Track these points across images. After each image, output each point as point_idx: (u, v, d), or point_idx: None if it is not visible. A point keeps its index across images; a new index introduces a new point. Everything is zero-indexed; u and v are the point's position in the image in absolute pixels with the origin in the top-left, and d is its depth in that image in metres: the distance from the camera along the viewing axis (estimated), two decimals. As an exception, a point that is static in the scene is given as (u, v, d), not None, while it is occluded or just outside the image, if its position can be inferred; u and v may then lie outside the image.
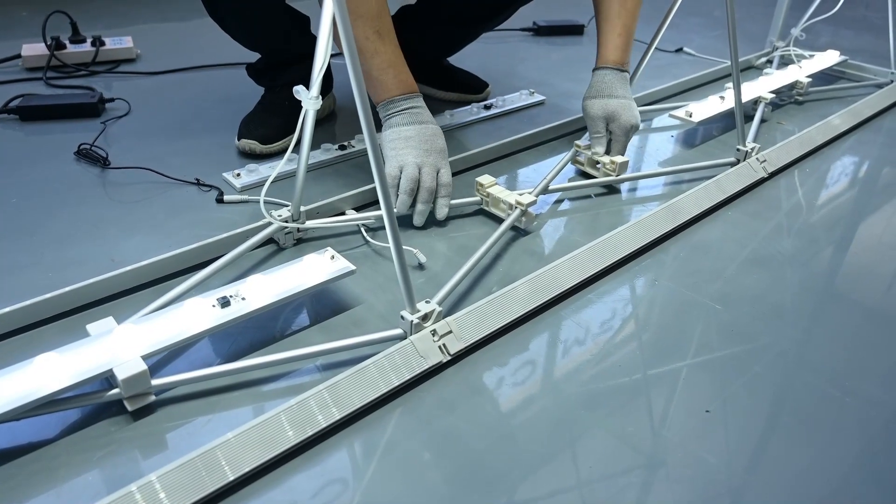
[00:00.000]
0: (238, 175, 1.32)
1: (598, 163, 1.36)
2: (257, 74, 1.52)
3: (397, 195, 1.18)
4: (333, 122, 1.64)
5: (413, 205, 1.20)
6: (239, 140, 1.43)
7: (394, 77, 1.19)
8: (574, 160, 1.43)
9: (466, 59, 1.80)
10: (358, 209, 1.25)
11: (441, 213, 1.22)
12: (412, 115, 1.19)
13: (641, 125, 1.42)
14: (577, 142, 1.41)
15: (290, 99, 0.97)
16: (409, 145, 1.18)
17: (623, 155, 1.37)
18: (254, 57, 1.52)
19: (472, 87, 1.75)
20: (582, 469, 0.79)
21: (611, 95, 1.34)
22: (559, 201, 1.34)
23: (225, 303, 0.91)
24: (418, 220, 1.21)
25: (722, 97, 1.64)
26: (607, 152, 1.38)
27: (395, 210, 1.14)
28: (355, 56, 0.73)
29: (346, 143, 1.46)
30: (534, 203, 1.20)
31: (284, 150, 1.45)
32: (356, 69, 0.74)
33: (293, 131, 1.49)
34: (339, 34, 0.73)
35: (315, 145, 1.38)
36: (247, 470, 0.75)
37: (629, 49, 1.38)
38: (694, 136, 1.65)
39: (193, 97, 1.75)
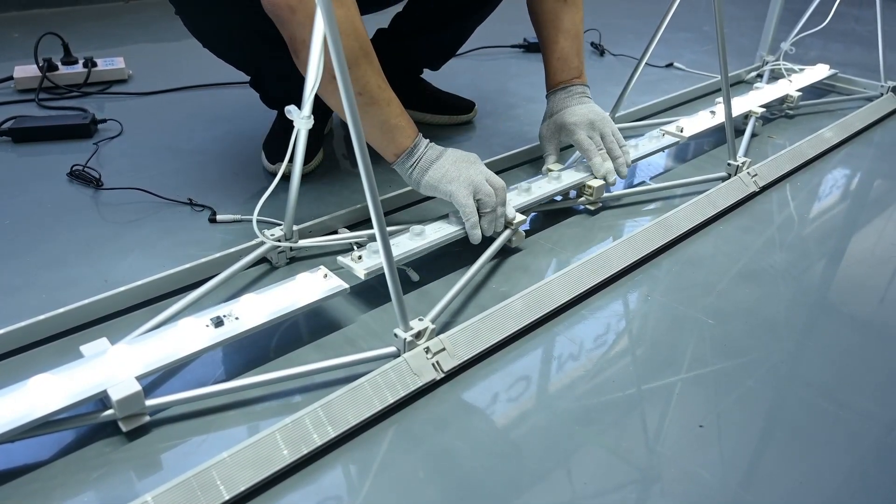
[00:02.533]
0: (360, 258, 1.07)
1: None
2: (270, 101, 1.51)
3: (479, 220, 1.13)
4: (331, 138, 1.65)
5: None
6: (274, 164, 1.43)
7: (407, 121, 1.13)
8: None
9: (456, 76, 1.81)
10: (350, 227, 1.25)
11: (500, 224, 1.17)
12: (436, 148, 1.15)
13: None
14: (548, 166, 1.38)
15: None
16: (458, 168, 1.13)
17: (624, 150, 1.35)
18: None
19: (460, 109, 1.76)
20: (577, 485, 0.80)
21: (552, 114, 1.38)
22: (551, 218, 1.34)
23: (218, 322, 0.91)
24: (490, 230, 1.15)
25: (713, 112, 1.65)
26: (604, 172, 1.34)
27: (477, 237, 1.13)
28: (346, 74, 0.74)
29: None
30: (523, 221, 1.20)
31: (314, 169, 1.49)
32: (347, 87, 0.75)
33: (317, 149, 1.49)
34: (331, 57, 0.73)
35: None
36: (242, 489, 0.75)
37: (573, 63, 1.38)
38: (685, 152, 1.66)
39: (185, 117, 1.76)
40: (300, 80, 0.98)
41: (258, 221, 1.03)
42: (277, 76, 1.38)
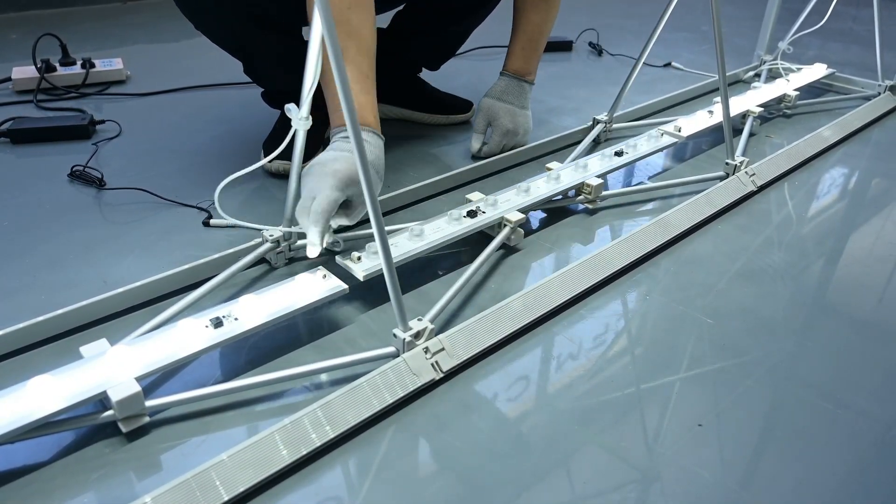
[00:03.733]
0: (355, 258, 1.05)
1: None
2: (271, 99, 1.52)
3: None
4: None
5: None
6: (272, 163, 1.43)
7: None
8: None
9: (455, 76, 1.81)
10: (349, 227, 1.24)
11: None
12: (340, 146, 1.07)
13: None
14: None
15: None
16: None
17: (495, 153, 1.52)
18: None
19: (458, 108, 1.77)
20: (576, 485, 0.80)
21: (500, 99, 1.52)
22: (549, 217, 1.34)
23: (218, 323, 0.91)
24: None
25: (710, 111, 1.65)
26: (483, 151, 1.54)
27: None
28: (343, 71, 0.74)
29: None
30: (523, 220, 1.20)
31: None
32: (344, 82, 0.75)
33: (317, 149, 1.49)
34: (328, 50, 0.73)
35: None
36: (241, 490, 0.75)
37: (532, 61, 1.56)
38: (683, 151, 1.67)
39: (184, 118, 1.76)
40: (292, 67, 0.98)
41: (255, 223, 1.02)
42: (269, 61, 1.39)
